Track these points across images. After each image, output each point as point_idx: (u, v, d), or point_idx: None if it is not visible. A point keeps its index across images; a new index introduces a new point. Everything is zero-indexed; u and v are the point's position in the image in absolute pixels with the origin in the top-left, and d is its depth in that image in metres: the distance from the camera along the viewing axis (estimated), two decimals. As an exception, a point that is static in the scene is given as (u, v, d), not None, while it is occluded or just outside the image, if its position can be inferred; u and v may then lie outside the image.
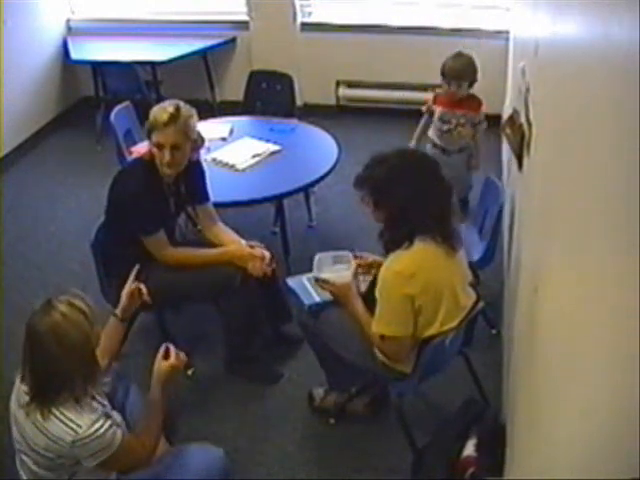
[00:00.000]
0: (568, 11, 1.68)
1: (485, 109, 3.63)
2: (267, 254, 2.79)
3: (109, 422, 1.79)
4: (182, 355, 2.11)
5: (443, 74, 3.51)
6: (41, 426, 1.74)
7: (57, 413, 1.74)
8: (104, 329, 2.30)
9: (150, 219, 2.64)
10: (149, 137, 2.59)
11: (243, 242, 2.84)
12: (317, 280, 2.44)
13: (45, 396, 1.76)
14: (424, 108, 3.76)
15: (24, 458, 1.84)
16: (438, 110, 3.64)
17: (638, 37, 0.86)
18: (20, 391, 1.82)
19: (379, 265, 2.28)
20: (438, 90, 3.68)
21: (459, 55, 3.52)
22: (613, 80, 1.06)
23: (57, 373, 1.74)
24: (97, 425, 1.75)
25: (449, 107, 3.60)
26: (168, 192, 2.73)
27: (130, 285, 2.29)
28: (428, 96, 3.84)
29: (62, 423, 1.73)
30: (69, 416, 1.74)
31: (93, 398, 1.86)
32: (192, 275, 2.69)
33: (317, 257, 2.51)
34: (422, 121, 3.78)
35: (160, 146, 2.56)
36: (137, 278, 2.33)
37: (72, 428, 1.72)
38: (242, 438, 2.67)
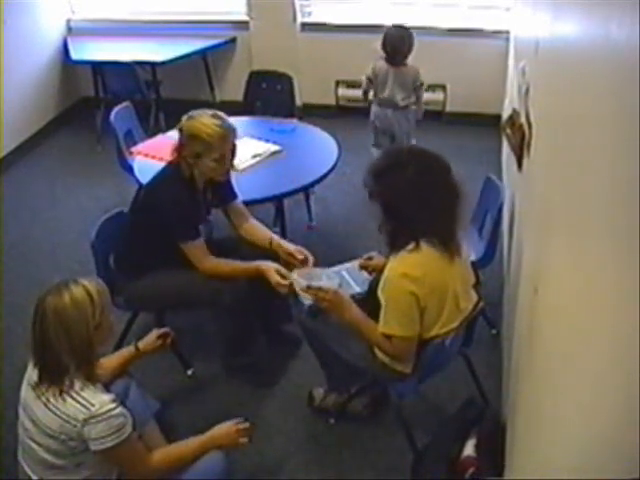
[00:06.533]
0: (568, 11, 1.68)
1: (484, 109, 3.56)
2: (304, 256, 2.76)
3: (122, 408, 1.80)
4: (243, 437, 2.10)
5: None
6: (54, 407, 1.76)
7: (72, 393, 1.76)
8: (120, 350, 2.35)
9: (192, 226, 2.65)
10: (199, 157, 2.57)
11: (279, 239, 2.84)
12: (308, 289, 2.35)
13: (51, 377, 1.78)
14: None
15: (32, 445, 1.84)
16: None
17: (638, 37, 0.86)
18: (31, 374, 1.85)
19: (381, 269, 2.28)
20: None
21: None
22: (613, 80, 1.05)
23: (51, 353, 1.76)
24: (111, 406, 1.77)
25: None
26: (201, 199, 2.74)
27: (161, 330, 2.36)
28: (428, 96, 3.80)
29: (76, 402, 1.75)
30: (83, 395, 1.77)
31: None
32: (183, 284, 2.70)
33: (293, 276, 2.52)
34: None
35: (222, 157, 2.60)
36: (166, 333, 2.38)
37: (85, 406, 1.75)
38: (242, 438, 2.68)
